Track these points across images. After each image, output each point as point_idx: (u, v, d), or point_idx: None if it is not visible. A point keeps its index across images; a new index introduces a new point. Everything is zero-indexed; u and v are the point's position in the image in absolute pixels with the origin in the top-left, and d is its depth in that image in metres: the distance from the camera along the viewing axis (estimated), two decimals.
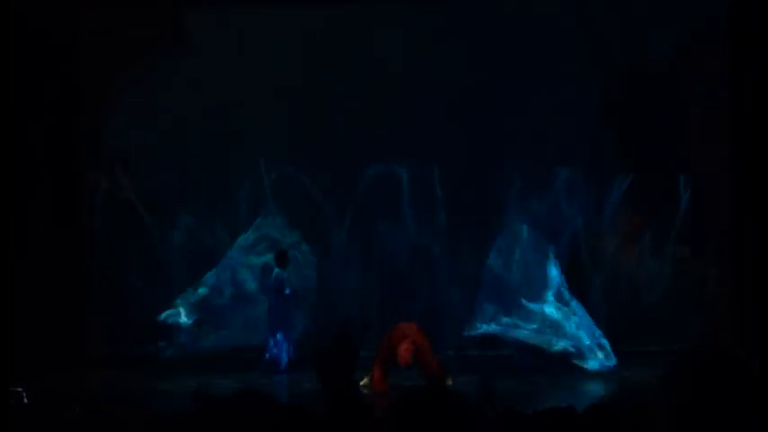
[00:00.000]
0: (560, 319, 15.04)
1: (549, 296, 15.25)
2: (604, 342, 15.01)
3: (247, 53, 16.96)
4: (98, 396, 12.91)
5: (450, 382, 12.89)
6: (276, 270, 15.32)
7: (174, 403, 10.24)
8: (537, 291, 15.32)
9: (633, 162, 16.68)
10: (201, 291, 15.85)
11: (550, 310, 15.13)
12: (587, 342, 14.92)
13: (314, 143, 16.74)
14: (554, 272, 15.41)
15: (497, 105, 16.54)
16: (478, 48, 16.69)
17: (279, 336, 15.02)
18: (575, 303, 15.30)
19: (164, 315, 15.62)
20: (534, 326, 15.02)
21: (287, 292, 15.19)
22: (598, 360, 14.83)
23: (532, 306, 15.15)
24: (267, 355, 15.01)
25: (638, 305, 16.59)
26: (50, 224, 15.76)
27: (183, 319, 15.62)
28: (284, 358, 15.01)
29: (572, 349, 14.84)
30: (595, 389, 13.97)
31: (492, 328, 15.15)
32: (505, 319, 15.21)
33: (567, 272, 15.79)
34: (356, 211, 16.81)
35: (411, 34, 16.71)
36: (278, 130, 16.88)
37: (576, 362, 14.82)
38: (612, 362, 14.82)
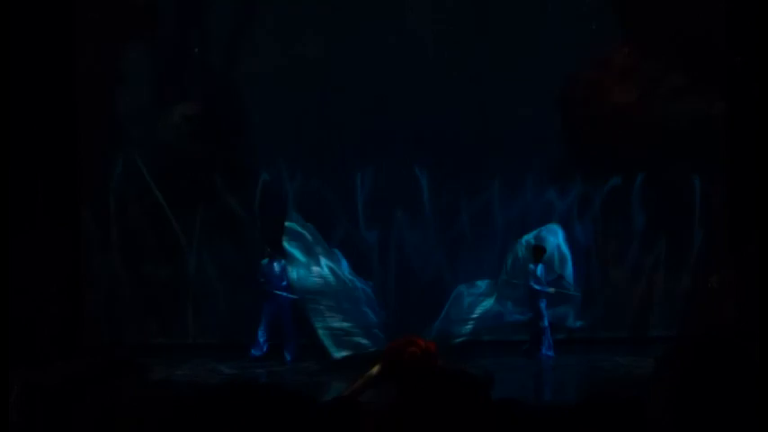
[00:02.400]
0: None
1: None
2: None
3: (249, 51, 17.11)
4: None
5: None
6: (281, 261, 15.23)
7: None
8: None
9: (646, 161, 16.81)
10: None
11: None
12: None
13: (315, 144, 16.82)
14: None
15: (501, 105, 16.67)
16: (479, 45, 16.81)
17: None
18: None
19: None
20: None
21: (284, 283, 15.19)
22: None
23: None
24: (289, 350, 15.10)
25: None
26: (51, 216, 15.79)
27: None
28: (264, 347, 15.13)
29: None
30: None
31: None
32: None
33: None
34: (371, 209, 16.97)
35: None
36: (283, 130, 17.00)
37: None
38: None
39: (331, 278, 14.93)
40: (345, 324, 14.67)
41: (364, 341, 14.65)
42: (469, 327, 15.58)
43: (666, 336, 15.66)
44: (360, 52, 16.72)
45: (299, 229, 15.34)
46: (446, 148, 16.77)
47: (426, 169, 16.95)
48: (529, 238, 16.01)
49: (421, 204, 16.98)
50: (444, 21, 17.03)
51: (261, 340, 15.19)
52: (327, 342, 14.49)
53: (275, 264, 15.31)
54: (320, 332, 14.51)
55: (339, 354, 14.39)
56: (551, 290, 15.50)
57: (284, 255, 15.15)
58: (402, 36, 16.85)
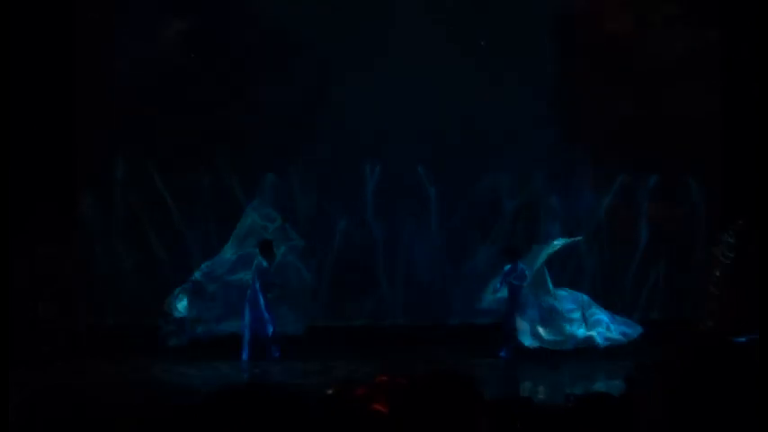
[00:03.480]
0: None
1: None
2: None
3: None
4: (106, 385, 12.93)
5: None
6: (260, 260, 15.23)
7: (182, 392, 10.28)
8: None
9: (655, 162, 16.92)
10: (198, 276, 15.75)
11: None
12: None
13: (310, 143, 16.91)
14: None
15: (499, 107, 16.73)
16: (477, 45, 16.91)
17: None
18: None
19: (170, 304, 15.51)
20: None
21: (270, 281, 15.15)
22: None
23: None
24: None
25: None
26: (50, 213, 15.85)
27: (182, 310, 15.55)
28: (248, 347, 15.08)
29: None
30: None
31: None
32: None
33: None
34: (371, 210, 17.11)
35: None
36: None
37: None
38: None
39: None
40: None
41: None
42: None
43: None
44: (362, 51, 16.82)
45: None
46: (448, 146, 16.88)
47: (430, 166, 17.08)
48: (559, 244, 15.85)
49: (426, 202, 17.10)
50: (445, 20, 17.10)
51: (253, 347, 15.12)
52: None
53: (270, 264, 15.31)
54: None
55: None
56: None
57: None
58: (404, 35, 16.91)
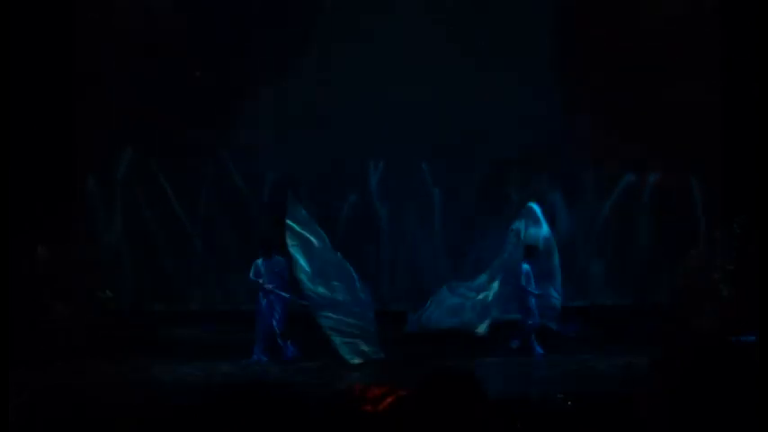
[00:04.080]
0: None
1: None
2: None
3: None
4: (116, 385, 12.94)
5: None
6: (277, 258, 15.17)
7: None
8: None
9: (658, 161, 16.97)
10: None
11: None
12: None
13: (313, 140, 16.94)
14: None
15: (502, 105, 16.78)
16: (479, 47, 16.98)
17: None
18: None
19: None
20: None
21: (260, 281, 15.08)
22: None
23: None
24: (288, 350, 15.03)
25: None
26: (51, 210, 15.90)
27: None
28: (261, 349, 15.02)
29: None
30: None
31: None
32: None
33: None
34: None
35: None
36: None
37: None
38: None
39: (340, 288, 14.95)
40: (356, 331, 14.81)
41: (367, 348, 14.79)
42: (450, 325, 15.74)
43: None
44: (362, 51, 16.87)
45: (300, 229, 15.26)
46: (448, 145, 16.93)
47: (429, 165, 17.15)
48: (518, 225, 15.84)
49: (427, 200, 17.19)
50: (445, 20, 17.16)
51: (263, 346, 15.04)
52: (343, 351, 14.58)
53: (270, 262, 15.18)
54: (336, 343, 14.55)
55: (355, 361, 14.51)
56: (537, 292, 15.29)
57: (280, 253, 15.07)
58: (404, 34, 16.96)
